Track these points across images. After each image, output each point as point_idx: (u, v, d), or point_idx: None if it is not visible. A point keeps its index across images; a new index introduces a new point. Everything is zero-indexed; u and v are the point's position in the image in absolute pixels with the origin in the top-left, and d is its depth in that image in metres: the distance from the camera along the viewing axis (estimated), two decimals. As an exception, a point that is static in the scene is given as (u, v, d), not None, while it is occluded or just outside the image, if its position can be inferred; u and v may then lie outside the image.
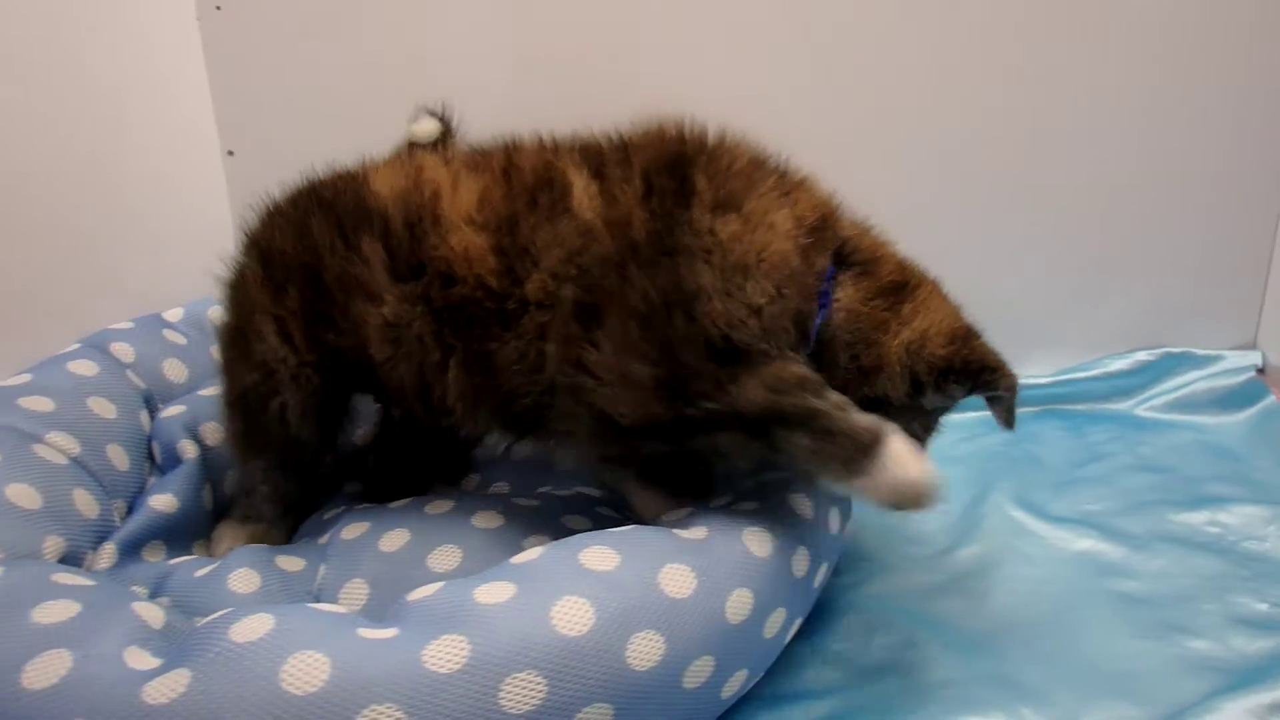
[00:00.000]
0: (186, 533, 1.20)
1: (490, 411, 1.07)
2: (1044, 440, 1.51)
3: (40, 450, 1.11)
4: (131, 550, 1.13)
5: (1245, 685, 0.99)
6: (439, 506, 1.16)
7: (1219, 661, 1.05)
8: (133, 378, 1.33)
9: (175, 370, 1.41)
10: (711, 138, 1.04)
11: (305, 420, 1.16)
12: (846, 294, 1.01)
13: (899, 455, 0.89)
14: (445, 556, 1.06)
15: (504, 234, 1.02)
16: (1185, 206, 1.59)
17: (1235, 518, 1.30)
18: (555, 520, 1.14)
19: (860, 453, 0.89)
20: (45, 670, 0.79)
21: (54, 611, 0.85)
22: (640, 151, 1.02)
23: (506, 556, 0.95)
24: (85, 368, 1.27)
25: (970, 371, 1.00)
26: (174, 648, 0.83)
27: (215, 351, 1.25)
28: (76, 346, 1.32)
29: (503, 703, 0.80)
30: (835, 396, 0.93)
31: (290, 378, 1.13)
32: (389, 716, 0.77)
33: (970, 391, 1.01)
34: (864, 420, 0.91)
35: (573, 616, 0.84)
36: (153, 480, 1.26)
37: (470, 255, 1.02)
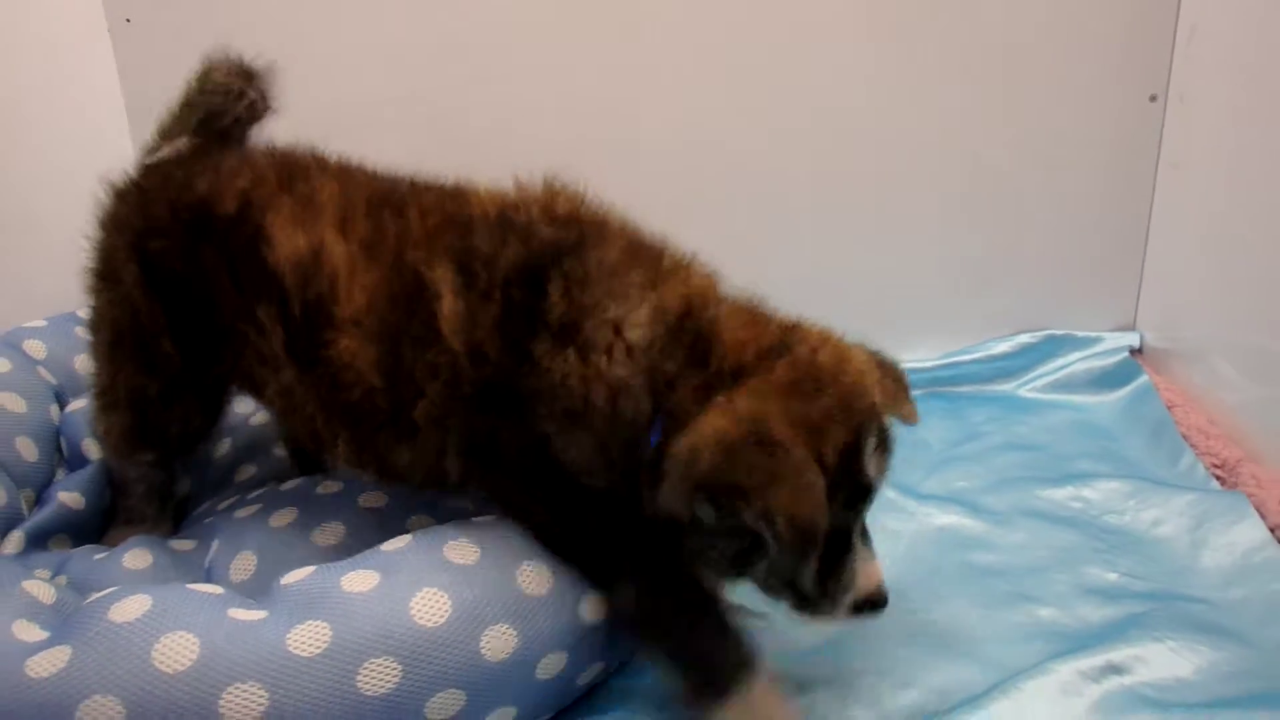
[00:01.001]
0: (92, 530, 1.25)
1: (380, 477, 1.09)
2: (926, 421, 1.52)
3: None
4: (39, 540, 1.18)
5: (1082, 648, 1.06)
6: (329, 487, 1.21)
7: (1062, 628, 1.12)
8: (44, 373, 1.38)
9: (86, 366, 1.45)
10: (590, 219, 0.99)
11: (205, 417, 1.20)
12: (679, 394, 0.91)
13: (756, 705, 0.90)
14: (329, 533, 1.12)
15: (387, 351, 0.99)
16: (1067, 196, 1.67)
17: (1098, 493, 1.37)
18: (439, 501, 1.19)
19: (714, 692, 0.90)
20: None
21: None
22: (507, 251, 0.97)
23: (387, 535, 1.01)
24: (-2, 366, 1.32)
25: (715, 489, 0.84)
26: (60, 623, 0.89)
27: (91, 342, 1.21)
28: (-6, 340, 1.36)
29: (360, 686, 0.85)
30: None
31: (190, 388, 1.15)
32: (252, 695, 0.83)
33: (722, 517, 0.86)
34: (734, 656, 0.90)
35: (431, 608, 0.90)
36: (61, 473, 1.31)
37: (358, 366, 1.00)
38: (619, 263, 0.95)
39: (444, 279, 0.97)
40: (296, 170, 1.10)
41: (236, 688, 0.83)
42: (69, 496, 1.24)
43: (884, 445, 0.92)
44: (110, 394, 1.18)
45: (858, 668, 1.07)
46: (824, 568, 0.91)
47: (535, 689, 0.94)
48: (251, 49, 1.62)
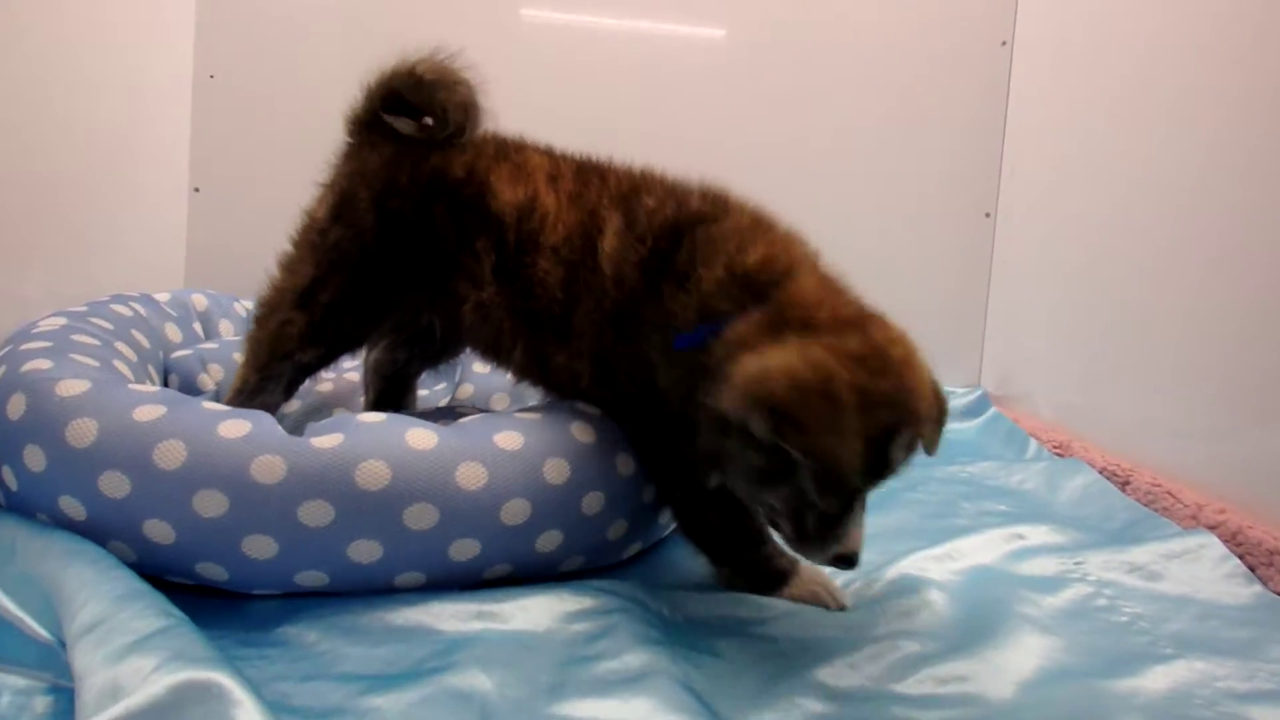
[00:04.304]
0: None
1: (538, 380, 1.41)
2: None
3: (118, 346, 1.41)
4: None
5: (992, 528, 1.50)
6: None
7: (975, 525, 1.55)
8: (151, 326, 1.62)
9: (172, 332, 1.70)
10: (728, 200, 1.26)
11: (375, 329, 1.51)
12: (732, 319, 1.15)
13: (807, 579, 1.26)
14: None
15: (568, 272, 1.29)
16: (928, 291, 2.34)
17: (978, 469, 1.87)
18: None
19: (774, 582, 1.26)
20: (233, 429, 1.10)
21: (214, 406, 1.16)
22: (665, 210, 1.25)
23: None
24: (124, 310, 1.56)
25: (778, 414, 1.02)
26: (314, 430, 1.15)
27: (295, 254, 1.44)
28: (109, 298, 1.60)
29: (546, 477, 1.18)
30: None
31: (380, 306, 1.44)
32: (477, 470, 1.14)
33: (771, 435, 1.02)
34: (778, 556, 1.26)
35: (584, 432, 1.25)
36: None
37: (549, 282, 1.31)
38: (729, 233, 1.20)
39: (612, 221, 1.28)
40: (508, 147, 1.42)
41: (466, 465, 1.14)
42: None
43: (911, 445, 1.06)
44: (304, 297, 1.41)
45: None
46: (827, 516, 1.06)
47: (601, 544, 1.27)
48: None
